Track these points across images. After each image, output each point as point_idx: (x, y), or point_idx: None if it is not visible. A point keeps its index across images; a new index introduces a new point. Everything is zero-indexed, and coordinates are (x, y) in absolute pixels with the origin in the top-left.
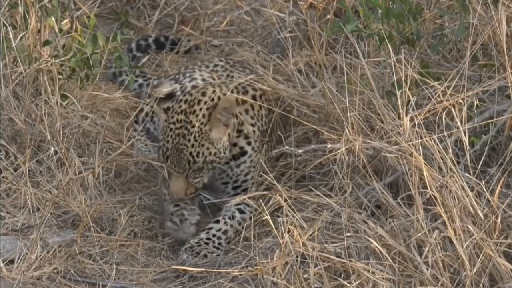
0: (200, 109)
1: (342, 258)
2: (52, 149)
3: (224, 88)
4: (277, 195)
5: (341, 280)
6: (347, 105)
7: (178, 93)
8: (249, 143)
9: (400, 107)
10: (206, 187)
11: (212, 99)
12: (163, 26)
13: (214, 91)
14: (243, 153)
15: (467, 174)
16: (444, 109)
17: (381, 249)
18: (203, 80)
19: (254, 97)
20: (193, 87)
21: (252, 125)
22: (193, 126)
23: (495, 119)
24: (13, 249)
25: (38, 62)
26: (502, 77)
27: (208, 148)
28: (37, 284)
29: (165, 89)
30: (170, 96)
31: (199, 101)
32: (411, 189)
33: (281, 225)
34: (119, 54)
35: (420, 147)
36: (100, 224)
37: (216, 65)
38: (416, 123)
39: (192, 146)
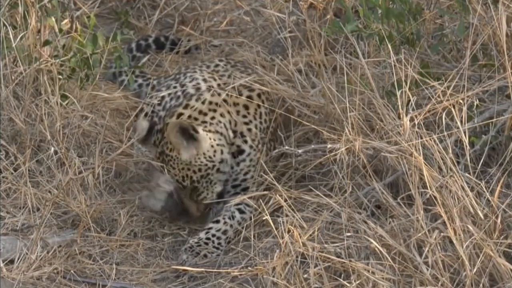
0: (165, 138)
1: (342, 258)
2: (52, 149)
3: (219, 90)
4: (277, 195)
5: (341, 280)
6: (347, 105)
7: (155, 119)
8: (245, 142)
9: (400, 107)
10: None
11: (179, 117)
12: (163, 26)
13: (180, 113)
14: (241, 151)
15: (467, 174)
16: (444, 109)
17: (381, 249)
18: (204, 80)
19: (250, 97)
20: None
21: (246, 123)
22: (167, 156)
23: (495, 119)
24: (13, 249)
25: (38, 62)
26: (502, 77)
27: (189, 169)
28: (37, 284)
29: (141, 129)
30: (149, 131)
31: (167, 125)
32: (411, 189)
33: (281, 225)
34: (119, 54)
35: (420, 147)
36: (100, 224)
37: (217, 65)
38: (416, 123)
39: (175, 174)
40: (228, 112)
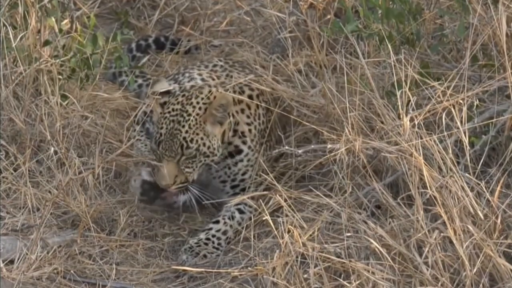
0: (197, 102)
1: (342, 258)
2: (52, 149)
3: (220, 88)
4: (277, 195)
5: (341, 280)
6: (347, 105)
7: (177, 92)
8: (244, 142)
9: (400, 107)
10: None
11: (208, 97)
12: (163, 26)
13: (210, 91)
14: (239, 151)
15: (467, 174)
16: (444, 109)
17: (381, 249)
18: (202, 80)
19: (250, 97)
20: (191, 86)
21: (248, 124)
22: (189, 115)
23: (495, 119)
24: (13, 249)
25: (38, 62)
26: (502, 77)
27: (202, 138)
28: (37, 284)
29: (163, 86)
30: (167, 92)
31: (197, 95)
32: (411, 189)
33: (281, 225)
34: (119, 54)
35: (420, 147)
36: (100, 224)
37: (215, 65)
38: (416, 123)
39: (187, 132)
40: (236, 111)
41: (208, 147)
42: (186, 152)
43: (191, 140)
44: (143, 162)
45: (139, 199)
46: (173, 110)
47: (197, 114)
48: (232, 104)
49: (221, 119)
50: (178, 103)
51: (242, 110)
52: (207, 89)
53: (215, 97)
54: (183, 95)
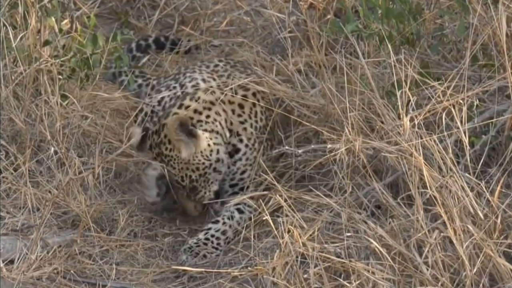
0: (165, 136)
1: (342, 258)
2: (52, 149)
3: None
4: (277, 195)
5: (341, 280)
6: (347, 105)
7: (149, 124)
8: (241, 141)
9: (400, 107)
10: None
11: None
12: (163, 26)
13: (174, 113)
14: (237, 150)
15: (467, 174)
16: (444, 109)
17: (381, 249)
18: (203, 80)
19: (245, 96)
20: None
21: (241, 123)
22: (166, 156)
23: (495, 119)
24: (13, 249)
25: (38, 62)
26: (502, 77)
27: (187, 169)
28: (37, 284)
29: (135, 137)
30: (143, 137)
31: (163, 126)
32: (411, 189)
33: (281, 225)
34: (119, 54)
35: (420, 147)
36: (100, 224)
37: (216, 65)
38: (416, 123)
39: (175, 175)
40: (224, 110)
41: (198, 169)
42: (186, 189)
43: (182, 179)
44: (143, 162)
45: (157, 202)
46: (157, 155)
47: (170, 151)
48: (185, 119)
49: (189, 136)
50: (155, 145)
51: (233, 111)
52: (173, 111)
53: (164, 126)
54: (156, 132)
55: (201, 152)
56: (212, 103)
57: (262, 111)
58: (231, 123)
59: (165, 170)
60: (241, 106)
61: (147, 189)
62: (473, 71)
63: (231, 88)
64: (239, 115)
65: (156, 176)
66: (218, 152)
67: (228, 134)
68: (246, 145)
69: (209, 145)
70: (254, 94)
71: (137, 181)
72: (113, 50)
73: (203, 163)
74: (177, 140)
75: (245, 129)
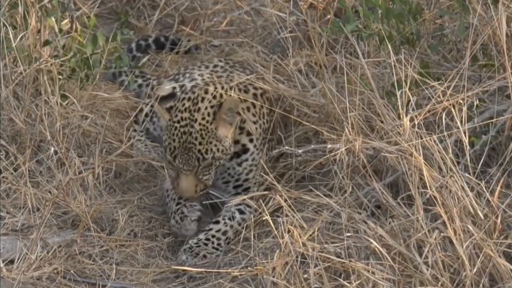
0: (205, 108)
1: (342, 258)
2: (52, 149)
3: (225, 86)
4: (277, 195)
5: (341, 280)
6: (347, 105)
7: (179, 93)
8: (251, 141)
9: (400, 107)
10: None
11: (215, 97)
12: (163, 26)
13: (216, 89)
14: (245, 150)
15: (467, 174)
16: (444, 109)
17: (381, 249)
18: (203, 80)
19: (255, 96)
20: (194, 85)
21: (254, 122)
22: (199, 124)
23: (495, 119)
24: (13, 249)
25: (38, 62)
26: (502, 77)
27: (215, 145)
28: (37, 284)
29: (166, 89)
30: (171, 96)
31: (203, 98)
32: (411, 189)
33: (281, 225)
34: (119, 54)
35: (420, 147)
36: (100, 224)
37: (216, 66)
38: (416, 123)
39: (200, 143)
40: (242, 108)
41: (222, 151)
42: (203, 163)
43: (206, 151)
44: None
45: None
46: (182, 119)
47: (207, 122)
48: (239, 104)
49: (231, 121)
50: (185, 110)
51: (248, 108)
52: (211, 88)
53: (220, 101)
54: (189, 99)
55: (229, 139)
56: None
57: (267, 113)
58: (244, 121)
59: (187, 141)
60: (254, 105)
61: (178, 224)
62: (473, 71)
63: (244, 86)
64: (253, 115)
65: (196, 219)
66: (231, 148)
67: (238, 131)
68: (255, 146)
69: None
70: (261, 95)
71: (178, 222)
72: (113, 50)
73: (227, 149)
74: (222, 119)
75: (256, 128)
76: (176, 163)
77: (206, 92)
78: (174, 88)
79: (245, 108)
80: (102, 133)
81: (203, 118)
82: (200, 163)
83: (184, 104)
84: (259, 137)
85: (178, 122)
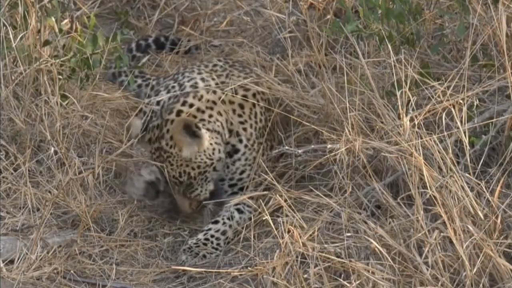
0: (167, 131)
1: (342, 258)
2: (52, 149)
3: (209, 93)
4: (277, 195)
5: (341, 280)
6: (347, 105)
7: (150, 124)
8: (240, 141)
9: (400, 107)
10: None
11: (179, 115)
12: (163, 26)
13: (181, 111)
14: (236, 150)
15: (467, 174)
16: (444, 109)
17: (381, 249)
18: (202, 80)
19: (245, 97)
20: (168, 102)
21: (241, 123)
22: (166, 152)
23: (495, 119)
24: (13, 249)
25: (38, 62)
26: (502, 77)
27: (187, 166)
28: (37, 284)
29: (135, 128)
30: (144, 129)
31: (166, 122)
32: (411, 189)
33: (281, 225)
34: (119, 54)
35: (420, 147)
36: (100, 224)
37: (215, 65)
38: (416, 123)
39: (172, 169)
40: (225, 110)
41: (199, 167)
42: (183, 186)
43: (180, 175)
44: (143, 162)
45: (139, 199)
46: (154, 150)
47: (170, 147)
48: (191, 120)
49: (192, 138)
50: (156, 139)
51: (234, 111)
52: (177, 107)
53: (167, 121)
54: (157, 127)
55: (204, 151)
56: (214, 102)
57: (262, 112)
58: (231, 123)
59: (164, 168)
60: (241, 106)
61: (133, 187)
62: (473, 71)
63: (232, 88)
64: (240, 115)
65: (148, 181)
66: (219, 151)
67: (227, 134)
68: (246, 146)
69: (211, 144)
70: (254, 95)
71: (128, 175)
72: (113, 50)
73: (205, 162)
74: (180, 140)
75: (244, 129)
76: (170, 186)
77: (171, 112)
78: (141, 121)
79: (231, 110)
80: (102, 133)
81: (167, 144)
82: (180, 186)
83: (154, 133)
84: (251, 137)
85: (154, 153)
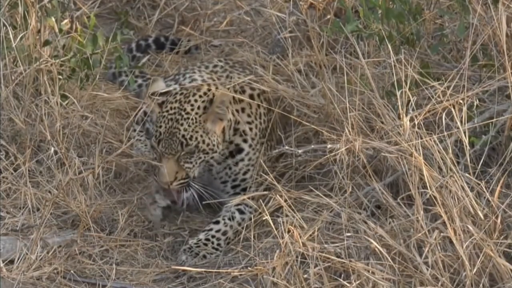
0: (195, 100)
1: (342, 258)
2: (52, 149)
3: (219, 86)
4: (277, 195)
5: (341, 280)
6: (347, 105)
7: (175, 91)
8: (245, 141)
9: (400, 107)
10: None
11: (207, 95)
12: (163, 26)
13: (209, 89)
14: (239, 150)
15: (467, 174)
16: (444, 109)
17: (381, 249)
18: (203, 80)
19: (251, 96)
20: (190, 85)
21: (249, 123)
22: (187, 113)
23: (495, 119)
24: (13, 249)
25: (38, 62)
26: (502, 77)
27: (201, 136)
28: (37, 284)
29: (161, 86)
30: (166, 94)
31: (194, 94)
32: (411, 189)
33: (281, 225)
34: (119, 54)
35: (420, 147)
36: (100, 224)
37: (215, 66)
38: (416, 123)
39: (185, 130)
40: (236, 110)
41: (208, 144)
42: (186, 149)
43: (191, 138)
44: (157, 191)
45: (162, 225)
46: (171, 108)
47: (196, 113)
48: (230, 100)
49: (222, 115)
50: (176, 101)
51: (243, 109)
52: (205, 87)
53: (213, 95)
54: (181, 93)
55: (217, 135)
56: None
57: (265, 113)
58: (238, 122)
59: (169, 124)
60: (249, 105)
61: (151, 215)
62: (473, 71)
63: (240, 87)
64: (248, 115)
65: (162, 205)
66: (227, 147)
67: (232, 133)
68: (250, 145)
69: (219, 136)
70: (258, 95)
71: (144, 202)
72: (113, 50)
73: (213, 145)
74: (213, 112)
75: (251, 129)
76: (160, 148)
77: (199, 89)
78: (168, 88)
79: (240, 109)
80: (102, 133)
81: (192, 109)
82: (183, 148)
83: (175, 97)
84: (255, 137)
85: (167, 111)
